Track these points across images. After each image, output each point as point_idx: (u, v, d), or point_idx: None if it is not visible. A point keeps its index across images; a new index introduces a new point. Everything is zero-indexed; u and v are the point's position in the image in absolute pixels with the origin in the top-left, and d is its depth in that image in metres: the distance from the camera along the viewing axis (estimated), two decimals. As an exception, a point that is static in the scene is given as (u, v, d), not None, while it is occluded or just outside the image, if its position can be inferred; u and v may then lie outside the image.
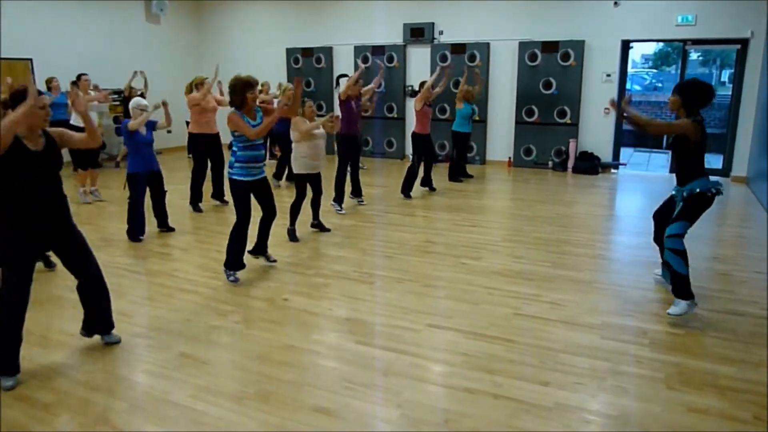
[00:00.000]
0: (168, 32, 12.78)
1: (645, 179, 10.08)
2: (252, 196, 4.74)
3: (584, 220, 7.06)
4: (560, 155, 10.52)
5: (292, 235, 5.97)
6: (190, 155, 8.82)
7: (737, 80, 9.55)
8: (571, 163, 10.39)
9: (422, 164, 8.42)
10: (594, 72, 10.07)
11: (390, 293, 4.60)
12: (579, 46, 9.93)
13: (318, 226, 6.34)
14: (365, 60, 11.54)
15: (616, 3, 9.66)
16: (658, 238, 4.56)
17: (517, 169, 10.79)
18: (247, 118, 4.52)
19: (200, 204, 7.40)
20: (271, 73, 11.93)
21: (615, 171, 10.45)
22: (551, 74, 10.21)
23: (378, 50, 11.48)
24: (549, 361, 3.50)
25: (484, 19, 10.64)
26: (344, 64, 11.93)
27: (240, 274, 4.87)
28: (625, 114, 4.23)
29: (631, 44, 10.10)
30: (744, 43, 9.17)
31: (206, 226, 6.74)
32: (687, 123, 3.93)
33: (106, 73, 11.04)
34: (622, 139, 10.89)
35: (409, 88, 11.49)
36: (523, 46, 10.31)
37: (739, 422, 2.90)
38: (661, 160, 12.38)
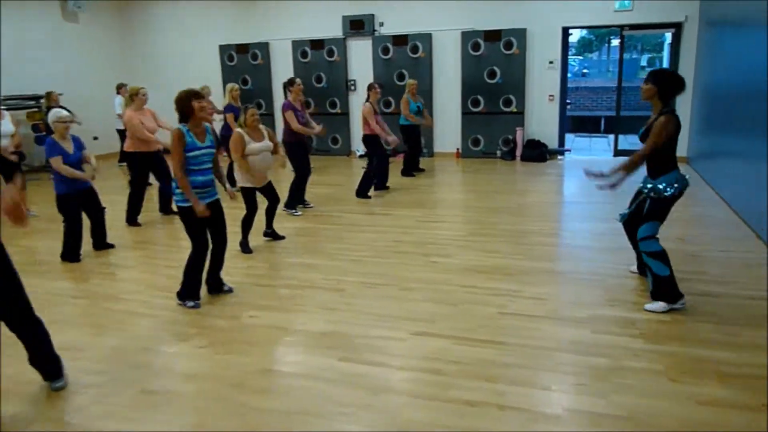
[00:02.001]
0: (88, 31, 11.87)
1: (590, 163, 10.17)
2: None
3: (544, 208, 7.02)
4: (508, 144, 10.52)
5: (245, 247, 5.55)
6: (124, 164, 8.13)
7: (673, 64, 9.81)
8: (519, 152, 10.41)
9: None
10: (537, 59, 10.10)
11: (365, 300, 4.32)
12: (521, 34, 9.92)
13: (271, 234, 5.94)
14: (304, 55, 11.15)
15: (555, -10, 9.71)
16: (633, 243, 4.49)
17: (466, 159, 10.71)
18: (191, 137, 4.01)
19: (138, 218, 6.79)
20: (205, 73, 11.34)
21: (561, 157, 10.55)
22: (495, 63, 10.17)
23: (317, 44, 11.10)
24: (546, 362, 3.33)
25: (425, 10, 10.46)
26: (282, 60, 11.47)
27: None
28: (615, 183, 4.08)
29: (570, 31, 10.20)
30: (678, 27, 9.42)
31: (151, 239, 6.22)
32: (668, 123, 3.83)
33: (20, 77, 10.13)
34: (566, 126, 11.01)
35: (352, 82, 11.19)
36: (466, 35, 10.21)
37: (750, 411, 2.81)
38: (602, 143, 12.64)
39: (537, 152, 10.22)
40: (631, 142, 10.80)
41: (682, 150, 9.42)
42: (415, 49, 10.54)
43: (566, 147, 10.89)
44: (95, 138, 10.98)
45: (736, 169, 6.77)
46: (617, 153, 10.62)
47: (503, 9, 10.01)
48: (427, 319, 3.94)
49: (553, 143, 10.47)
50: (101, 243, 5.73)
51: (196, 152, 4.04)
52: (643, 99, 4.05)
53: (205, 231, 4.22)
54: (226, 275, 4.71)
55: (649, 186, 4.00)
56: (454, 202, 7.57)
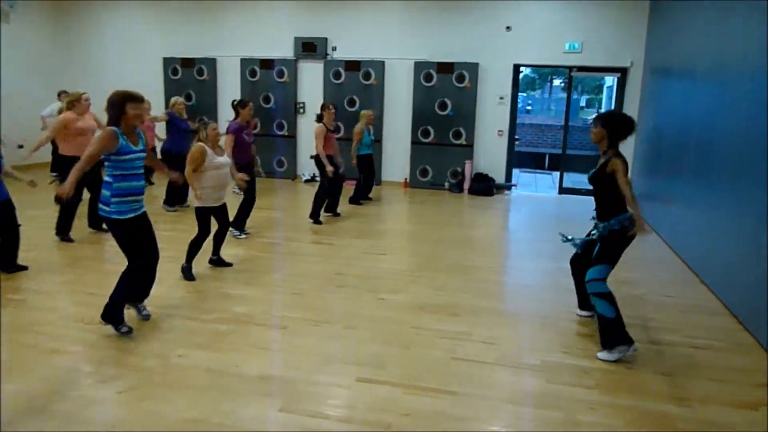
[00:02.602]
0: (22, 33, 11.12)
1: (536, 200, 10.33)
2: None
3: (492, 243, 6.94)
4: (456, 176, 10.50)
5: (188, 273, 5.15)
6: (56, 175, 7.50)
7: (618, 106, 10.11)
8: (467, 185, 10.40)
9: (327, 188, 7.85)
10: (488, 94, 10.18)
11: (307, 339, 4.02)
12: (473, 68, 9.99)
13: (217, 261, 5.57)
14: (252, 74, 10.83)
15: (508, 28, 9.84)
16: (579, 284, 4.43)
17: (414, 190, 10.60)
18: (125, 140, 3.73)
19: (70, 233, 6.25)
20: (146, 84, 10.80)
21: (508, 192, 10.62)
22: (447, 95, 10.18)
23: (267, 64, 10.82)
24: (502, 415, 3.14)
25: (379, 37, 10.39)
26: (229, 77, 11.10)
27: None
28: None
29: (522, 68, 10.37)
30: (624, 71, 9.73)
31: (75, 261, 5.68)
32: (624, 164, 3.81)
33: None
34: (513, 161, 11.12)
35: (301, 105, 10.94)
36: (419, 66, 10.19)
37: (710, 475, 2.70)
38: (546, 180, 12.88)
39: (485, 186, 10.24)
40: (573, 180, 11.00)
41: (623, 191, 9.65)
42: (367, 76, 10.43)
43: (513, 182, 10.97)
44: (20, 146, 10.19)
45: (678, 213, 6.93)
46: (562, 190, 10.78)
47: (457, 42, 10.07)
48: (375, 363, 3.68)
49: (500, 177, 10.52)
50: (11, 265, 5.17)
51: (131, 156, 3.78)
52: (594, 142, 4.02)
53: (141, 245, 3.88)
54: (160, 305, 4.31)
55: (600, 227, 3.94)
56: (401, 233, 7.39)
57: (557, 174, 13.00)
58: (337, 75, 10.52)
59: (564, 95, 38.72)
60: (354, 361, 3.71)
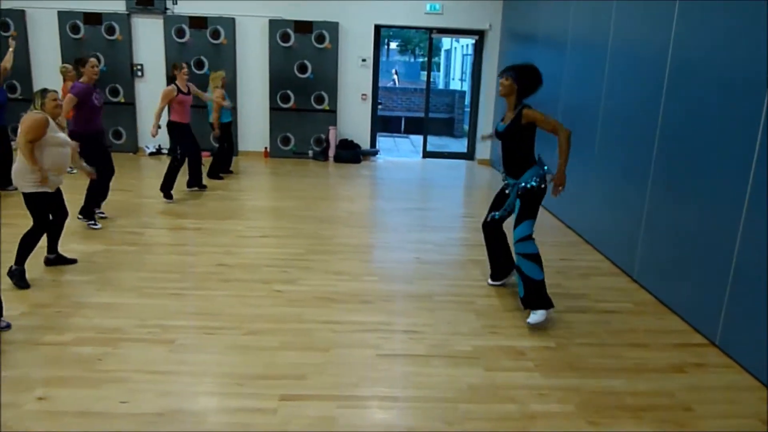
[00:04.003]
0: None
1: (403, 165, 10.17)
2: None
3: (379, 217, 6.58)
4: (320, 144, 9.93)
5: (20, 279, 4.06)
6: None
7: (476, 69, 10.22)
8: (332, 152, 9.89)
9: (186, 160, 6.86)
10: (350, 56, 9.67)
11: (205, 354, 3.32)
12: (333, 28, 9.38)
13: (56, 260, 4.50)
14: (75, 30, 9.13)
15: (368, -15, 9.36)
16: (494, 250, 4.27)
17: (276, 159, 9.85)
18: None
19: None
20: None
21: (374, 158, 10.32)
22: (306, 57, 9.47)
23: (93, 18, 9.16)
24: (455, 419, 2.79)
25: (227, -10, 9.30)
26: (45, 34, 9.25)
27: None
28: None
29: (383, 29, 9.99)
30: (482, 34, 9.80)
31: None
32: (537, 113, 3.70)
33: None
34: (377, 126, 10.82)
35: (138, 67, 9.50)
36: (274, 24, 9.32)
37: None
38: (406, 144, 12.82)
39: (351, 153, 9.82)
40: (431, 143, 11.04)
41: (485, 153, 9.87)
42: (216, 35, 9.31)
43: (376, 148, 10.68)
44: None
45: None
46: (426, 155, 10.74)
47: (315, 0, 9.34)
48: (295, 374, 3.12)
49: (365, 144, 10.17)
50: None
51: None
52: (502, 95, 3.81)
53: None
54: (-11, 335, 3.30)
55: (520, 185, 3.77)
56: (276, 211, 6.70)
57: (415, 137, 13.06)
58: (181, 33, 9.26)
59: (401, 58, 39.34)
60: (269, 375, 3.11)
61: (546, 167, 3.84)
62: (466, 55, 19.14)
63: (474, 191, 8.65)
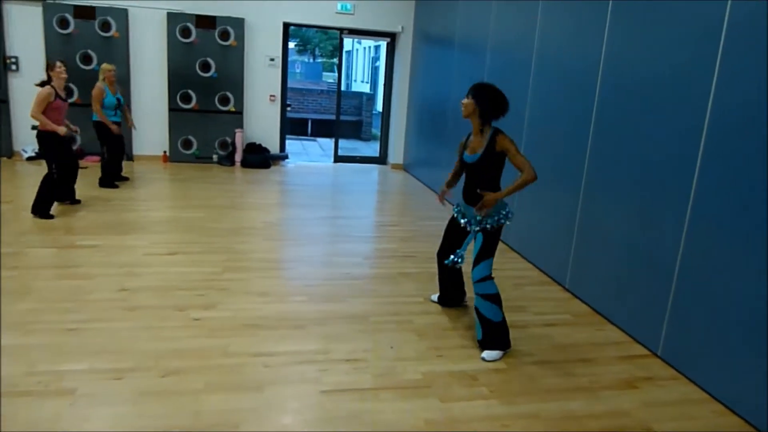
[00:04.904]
0: None
1: (315, 170, 9.76)
2: None
3: (298, 227, 6.15)
4: (226, 148, 9.28)
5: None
6: None
7: (388, 72, 10.03)
8: (239, 157, 9.29)
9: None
10: (257, 54, 9.13)
11: (115, 406, 2.77)
12: (239, 24, 8.79)
13: None
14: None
15: (276, -20, 8.87)
16: (447, 278, 4.02)
17: (176, 164, 9.08)
18: None
19: None
20: None
21: (285, 163, 9.83)
22: (209, 54, 8.81)
23: (-48, 2, 7.95)
24: (417, 466, 2.49)
25: (117, -22, 8.43)
26: None
27: None
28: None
29: (292, 27, 9.51)
30: (393, 36, 9.62)
31: None
32: (509, 142, 3.35)
33: None
34: (287, 129, 10.33)
35: (12, 60, 8.37)
36: (173, 18, 8.57)
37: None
38: (314, 147, 12.41)
39: (260, 157, 9.27)
40: (341, 147, 10.75)
41: (398, 158, 9.72)
42: (106, 27, 8.41)
43: (286, 152, 10.19)
44: None
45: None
46: (338, 159, 10.40)
47: (218, -7, 8.72)
48: (228, 422, 2.68)
49: (274, 147, 9.65)
50: None
51: None
52: (464, 116, 3.50)
53: None
54: None
55: (488, 219, 3.44)
56: (185, 224, 6.06)
57: (323, 141, 12.71)
58: (64, 23, 8.26)
59: (300, 58, 38.72)
60: (198, 425, 2.64)
61: (508, 208, 3.53)
62: (376, 57, 18.99)
63: (393, 197, 8.44)
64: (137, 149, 9.07)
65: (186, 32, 8.63)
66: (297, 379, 3.10)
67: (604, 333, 3.95)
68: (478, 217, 3.47)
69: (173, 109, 8.94)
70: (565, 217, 4.67)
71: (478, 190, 3.40)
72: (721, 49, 3.16)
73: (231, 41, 8.81)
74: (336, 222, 6.50)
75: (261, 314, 3.87)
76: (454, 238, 3.77)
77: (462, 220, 3.63)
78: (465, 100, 3.43)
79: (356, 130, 13.48)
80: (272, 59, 9.19)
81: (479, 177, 3.44)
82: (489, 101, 3.38)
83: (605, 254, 4.18)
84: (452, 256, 3.62)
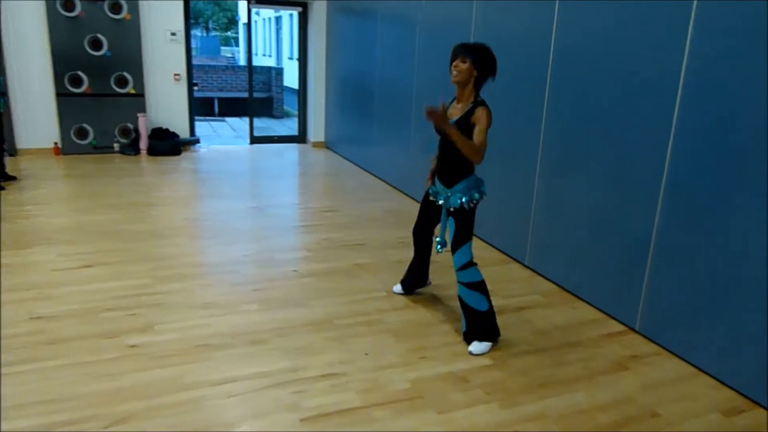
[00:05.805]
0: None
1: (232, 154, 9.03)
2: None
3: (227, 221, 5.56)
4: (128, 134, 8.34)
5: None
6: None
7: (302, 45, 9.42)
8: (144, 144, 8.39)
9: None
10: (156, 29, 8.19)
11: (54, 476, 2.23)
12: (132, -5, 7.83)
13: None
14: None
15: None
16: (421, 259, 3.71)
17: (71, 157, 8.04)
18: None
19: None
20: None
21: (197, 148, 9.02)
22: (100, 30, 7.78)
23: None
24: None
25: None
26: None
27: None
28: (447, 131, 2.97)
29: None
30: (305, 6, 9.00)
31: None
32: (486, 118, 2.99)
33: None
34: (195, 110, 9.47)
35: None
36: (51, -11, 7.46)
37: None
38: (225, 128, 11.58)
39: (169, 144, 8.42)
40: (238, 125, 10.08)
41: (319, 135, 9.24)
42: (-34, 1, 7.16)
43: (196, 136, 9.36)
44: None
45: (381, 153, 7.28)
46: (254, 140, 9.72)
47: (102, -41, 7.67)
48: (204, 479, 2.23)
49: (183, 132, 8.82)
50: None
51: None
52: (456, 81, 3.06)
53: None
54: None
55: (459, 199, 3.16)
56: (95, 228, 5.26)
57: (233, 121, 11.93)
58: None
59: (197, 33, 36.56)
60: (167, 489, 2.18)
61: (483, 186, 3.25)
62: (278, 28, 18.01)
63: (322, 178, 7.94)
64: (22, 142, 7.93)
65: (69, 5, 7.54)
66: (271, 408, 2.68)
67: (578, 312, 3.82)
68: (447, 192, 3.19)
69: (61, 93, 7.85)
70: (522, 194, 4.49)
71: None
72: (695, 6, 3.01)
73: (124, 14, 7.82)
74: (265, 212, 5.97)
75: (210, 331, 3.37)
76: (429, 215, 3.49)
77: (436, 198, 3.33)
78: (460, 63, 3.02)
79: (268, 108, 12.73)
80: (173, 33, 8.30)
81: (450, 147, 3.05)
82: (491, 68, 3.04)
83: (568, 230, 4.04)
84: (438, 247, 3.34)
